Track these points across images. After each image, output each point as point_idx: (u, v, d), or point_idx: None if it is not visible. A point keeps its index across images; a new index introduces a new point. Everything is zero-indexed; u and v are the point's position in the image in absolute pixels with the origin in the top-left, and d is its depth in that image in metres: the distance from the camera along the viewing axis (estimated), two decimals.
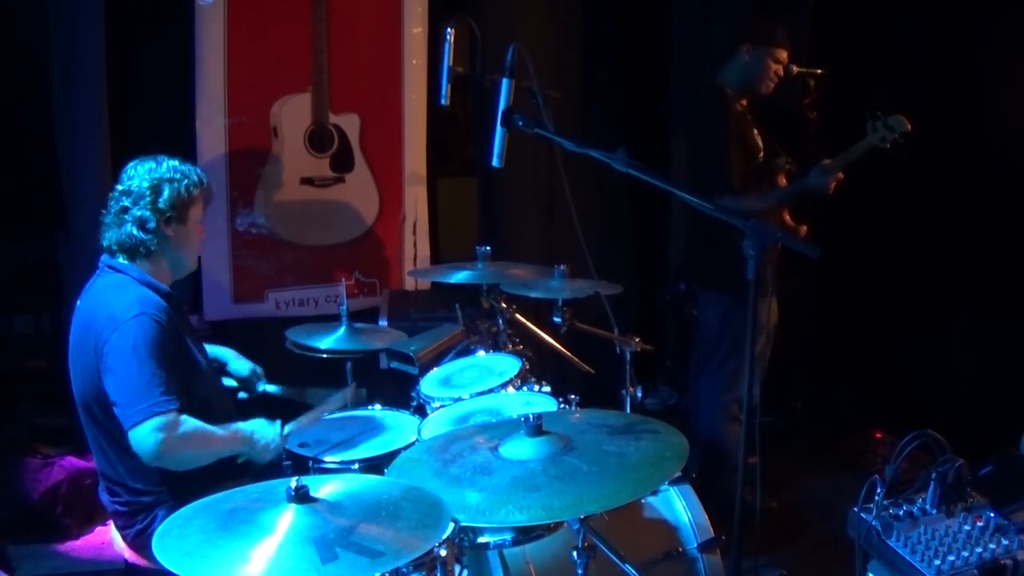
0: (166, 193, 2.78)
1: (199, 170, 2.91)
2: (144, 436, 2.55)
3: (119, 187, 2.81)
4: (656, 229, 5.60)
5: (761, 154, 4.05)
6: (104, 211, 2.83)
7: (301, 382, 3.49)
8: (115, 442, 2.71)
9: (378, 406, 3.31)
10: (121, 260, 2.81)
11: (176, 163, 2.85)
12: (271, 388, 3.32)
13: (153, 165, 2.81)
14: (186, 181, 2.83)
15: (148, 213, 2.76)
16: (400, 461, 2.37)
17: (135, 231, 2.76)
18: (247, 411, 3.19)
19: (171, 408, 2.58)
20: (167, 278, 2.87)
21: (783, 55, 4.00)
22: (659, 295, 5.52)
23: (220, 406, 2.94)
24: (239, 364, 3.28)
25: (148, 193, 2.77)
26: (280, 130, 4.59)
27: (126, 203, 2.77)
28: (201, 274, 4.50)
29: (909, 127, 3.65)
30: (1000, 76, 4.53)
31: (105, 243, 2.82)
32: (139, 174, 2.80)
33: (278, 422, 2.89)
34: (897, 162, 3.83)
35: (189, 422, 2.62)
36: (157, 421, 2.55)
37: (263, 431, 2.83)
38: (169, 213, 2.79)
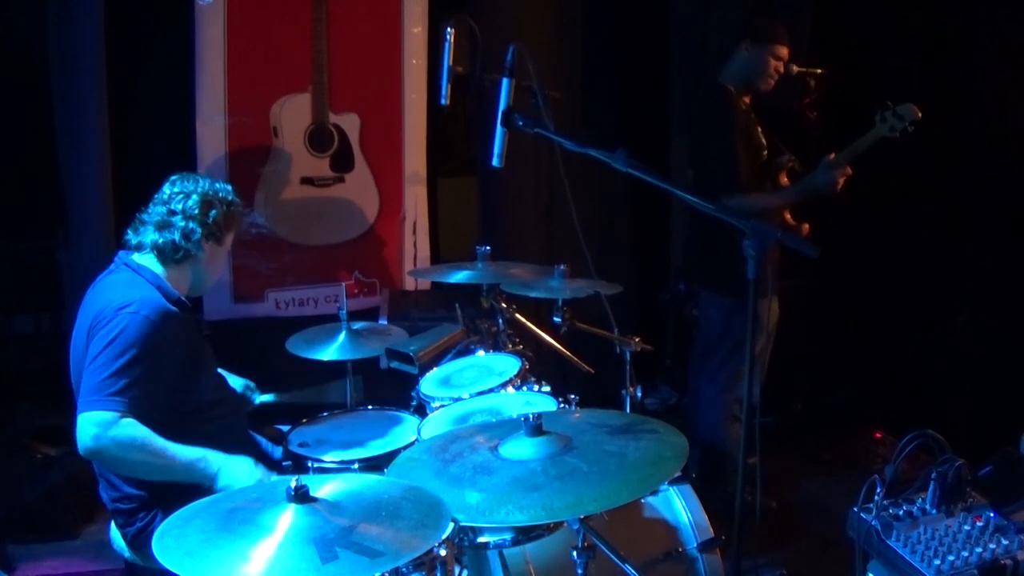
0: (215, 212, 2.87)
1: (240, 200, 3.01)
2: (80, 426, 2.57)
3: (166, 191, 2.87)
4: (656, 229, 5.60)
5: (765, 152, 4.05)
6: (144, 209, 2.89)
7: (301, 381, 3.49)
8: None
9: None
10: (140, 259, 2.83)
11: (229, 187, 2.97)
12: (266, 398, 3.32)
13: (208, 184, 2.91)
14: (233, 207, 2.95)
15: (195, 226, 2.84)
16: (400, 461, 2.36)
17: (179, 238, 2.82)
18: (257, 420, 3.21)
19: (116, 409, 2.56)
20: (183, 290, 2.89)
21: (783, 52, 4.00)
22: (659, 295, 5.52)
23: (226, 412, 2.94)
24: (231, 382, 3.28)
25: (198, 208, 2.85)
26: (280, 130, 4.59)
27: (176, 208, 2.84)
28: None
29: (919, 115, 3.62)
30: (1000, 75, 4.53)
31: (135, 240, 2.85)
32: (192, 188, 2.87)
33: (261, 468, 2.77)
34: (901, 154, 3.81)
35: (132, 429, 2.57)
36: (96, 416, 2.56)
37: (236, 473, 2.70)
38: (213, 231, 2.87)
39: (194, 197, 2.85)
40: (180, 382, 2.74)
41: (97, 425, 2.56)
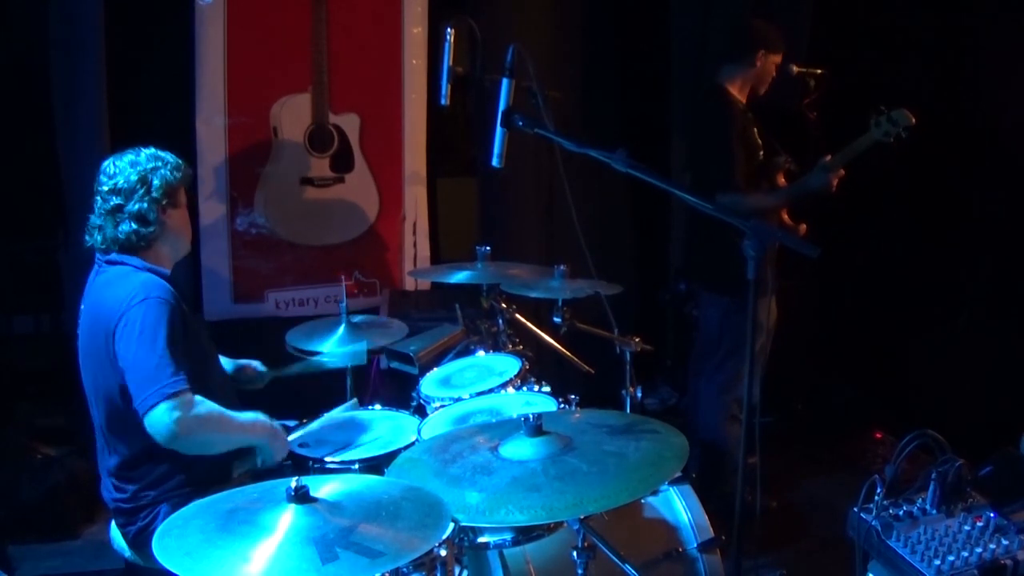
0: (156, 181, 2.78)
1: (172, 154, 2.90)
2: (159, 418, 2.55)
3: (103, 187, 2.78)
4: (656, 229, 5.60)
5: (761, 152, 4.05)
6: (91, 213, 2.81)
7: (301, 382, 3.48)
8: (137, 436, 2.69)
9: (378, 406, 3.31)
10: (118, 255, 2.81)
11: (153, 150, 2.85)
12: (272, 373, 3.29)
13: (133, 157, 2.80)
14: (169, 165, 2.83)
15: (146, 205, 2.76)
16: (400, 461, 2.37)
17: (135, 226, 2.75)
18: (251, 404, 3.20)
19: (182, 388, 2.58)
20: (168, 263, 2.87)
21: (781, 58, 4.03)
22: (659, 295, 5.53)
23: (223, 394, 2.94)
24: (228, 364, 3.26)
25: (139, 186, 2.75)
26: (280, 130, 4.59)
27: (118, 201, 2.75)
28: (201, 274, 4.50)
29: (913, 121, 3.65)
30: (1000, 75, 4.53)
31: (99, 244, 2.79)
32: (122, 169, 2.78)
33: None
34: (897, 158, 3.82)
35: (205, 403, 2.62)
36: (171, 402, 2.55)
37: (281, 436, 2.86)
38: (164, 200, 2.79)
39: (131, 178, 2.75)
40: (192, 358, 2.75)
41: (176, 409, 2.55)
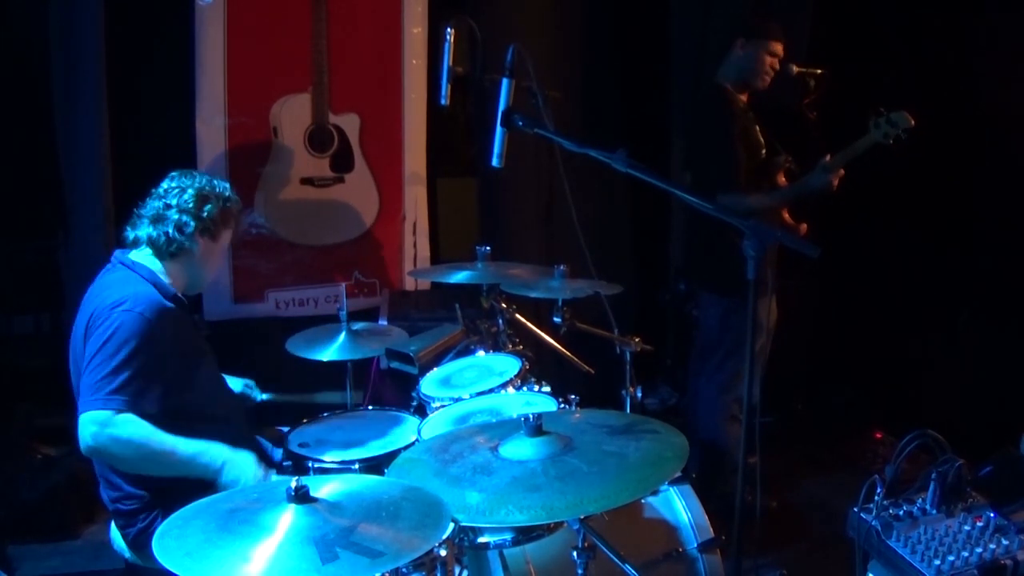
0: (210, 207, 2.88)
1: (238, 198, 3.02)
2: (81, 426, 2.59)
3: (164, 186, 2.89)
4: (656, 229, 5.61)
5: (763, 151, 4.05)
6: (141, 204, 2.90)
7: (301, 381, 3.49)
8: None
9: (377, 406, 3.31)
10: (136, 256, 2.84)
11: (227, 185, 2.98)
12: (266, 396, 3.33)
13: (205, 181, 2.92)
14: (230, 204, 2.95)
15: (189, 219, 2.84)
16: (400, 461, 2.36)
17: (172, 231, 2.83)
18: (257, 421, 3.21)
19: (114, 407, 2.58)
20: (180, 286, 2.89)
21: (777, 48, 4.01)
22: (659, 295, 5.53)
23: (226, 412, 2.94)
24: (231, 383, 3.28)
25: (193, 202, 2.85)
26: (280, 130, 4.59)
27: (171, 202, 2.85)
28: None
29: (912, 123, 3.65)
30: (1000, 75, 4.53)
31: (131, 235, 2.86)
32: (188, 183, 2.89)
33: (262, 466, 2.79)
34: (897, 157, 3.82)
35: (131, 425, 2.59)
36: (95, 415, 2.57)
37: (241, 467, 2.73)
38: (207, 225, 2.87)
39: (189, 191, 2.87)
40: (177, 380, 2.74)
41: (96, 424, 2.57)
